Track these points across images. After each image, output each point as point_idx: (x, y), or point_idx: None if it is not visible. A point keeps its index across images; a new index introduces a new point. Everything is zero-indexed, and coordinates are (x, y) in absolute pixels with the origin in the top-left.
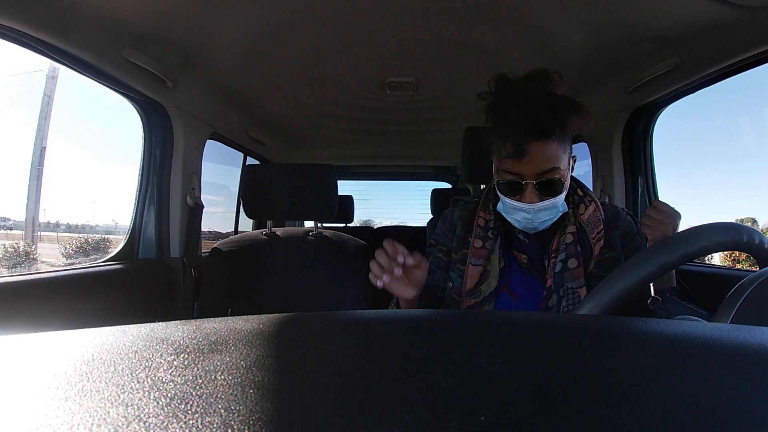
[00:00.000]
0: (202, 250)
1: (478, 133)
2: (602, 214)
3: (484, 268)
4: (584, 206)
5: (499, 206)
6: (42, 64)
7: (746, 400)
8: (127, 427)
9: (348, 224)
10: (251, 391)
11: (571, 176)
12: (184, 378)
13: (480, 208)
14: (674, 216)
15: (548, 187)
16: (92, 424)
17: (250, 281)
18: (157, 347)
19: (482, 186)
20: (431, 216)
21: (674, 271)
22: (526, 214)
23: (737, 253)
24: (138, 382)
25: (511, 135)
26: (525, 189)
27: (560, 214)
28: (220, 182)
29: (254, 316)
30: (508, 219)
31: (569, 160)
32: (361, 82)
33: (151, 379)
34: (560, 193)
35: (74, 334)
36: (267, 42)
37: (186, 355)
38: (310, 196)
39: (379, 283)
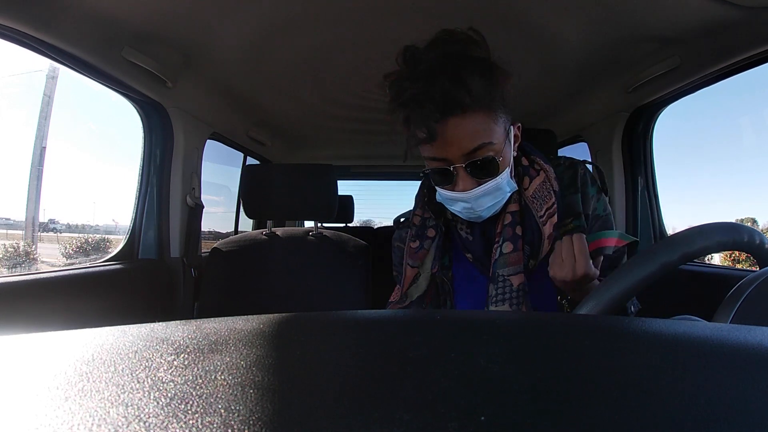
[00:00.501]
0: (202, 250)
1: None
2: (553, 184)
3: (419, 270)
4: (529, 179)
5: (438, 197)
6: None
7: (746, 400)
8: (127, 427)
9: (348, 224)
10: (251, 391)
11: (519, 145)
12: (184, 378)
13: (415, 206)
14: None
15: (481, 169)
16: (92, 424)
17: (250, 281)
18: (157, 347)
19: None
20: None
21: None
22: (464, 203)
23: (737, 253)
24: (138, 382)
25: (416, 116)
26: (456, 175)
27: (508, 194)
28: (220, 182)
29: (254, 316)
30: (451, 210)
31: (506, 130)
32: (361, 82)
33: (151, 379)
34: (497, 173)
35: (74, 334)
36: (267, 42)
37: (186, 355)
38: (310, 196)
39: None
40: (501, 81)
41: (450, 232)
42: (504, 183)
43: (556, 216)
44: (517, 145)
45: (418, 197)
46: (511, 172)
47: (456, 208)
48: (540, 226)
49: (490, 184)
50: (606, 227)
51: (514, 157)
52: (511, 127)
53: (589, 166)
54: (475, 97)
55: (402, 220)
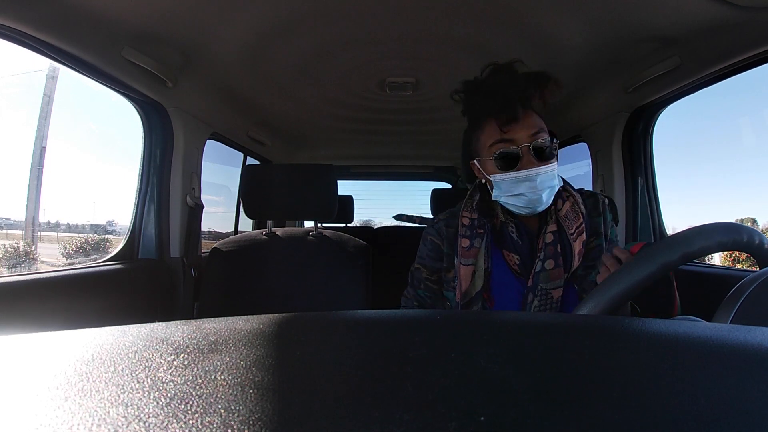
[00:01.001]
0: (202, 250)
1: (470, 137)
2: (581, 208)
3: (474, 267)
4: (562, 201)
5: (496, 193)
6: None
7: (746, 400)
8: (127, 427)
9: (348, 224)
10: (251, 391)
11: None
12: (184, 378)
13: (463, 208)
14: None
15: (542, 152)
16: (92, 424)
17: (250, 281)
18: (157, 347)
19: None
20: (431, 216)
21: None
22: (529, 182)
23: (737, 253)
24: (138, 382)
25: (501, 104)
26: (522, 156)
27: (557, 188)
28: (220, 182)
29: (254, 316)
30: (510, 204)
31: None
32: (361, 82)
33: (151, 379)
34: (554, 157)
35: (74, 334)
36: (267, 42)
37: (186, 355)
38: (310, 196)
39: None
40: (554, 100)
41: (499, 233)
42: (556, 174)
43: (584, 234)
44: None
45: (468, 200)
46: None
47: (520, 191)
48: (571, 243)
49: (548, 167)
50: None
51: None
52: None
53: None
54: (540, 101)
55: (441, 216)
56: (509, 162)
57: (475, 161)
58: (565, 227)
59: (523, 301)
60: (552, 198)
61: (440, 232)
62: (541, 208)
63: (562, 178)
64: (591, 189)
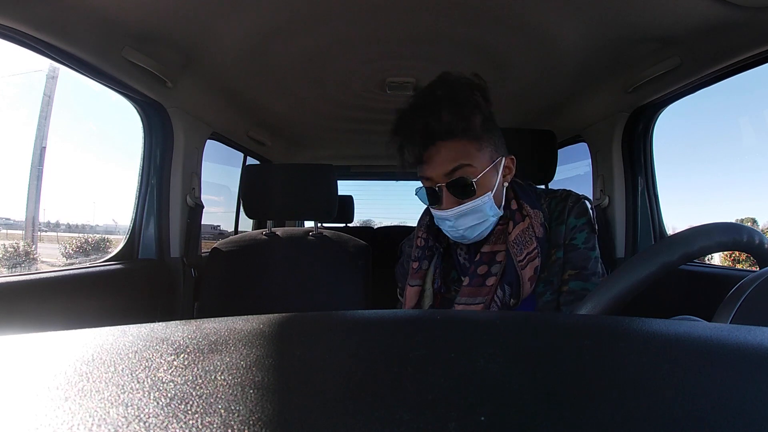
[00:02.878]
0: (202, 250)
1: None
2: (537, 230)
3: (422, 288)
4: (513, 224)
5: (434, 220)
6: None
7: (746, 400)
8: (127, 427)
9: (348, 224)
10: (251, 391)
11: (514, 182)
12: (184, 378)
13: (417, 228)
14: None
15: (459, 189)
16: (92, 424)
17: (250, 281)
18: (157, 347)
19: None
20: None
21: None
22: (448, 221)
23: (737, 253)
24: (138, 382)
25: (407, 143)
26: (441, 194)
27: (492, 219)
28: (220, 182)
29: (254, 316)
30: (446, 233)
31: (491, 159)
32: (361, 82)
33: (151, 379)
34: (473, 194)
35: (74, 334)
36: (267, 42)
37: (186, 355)
38: (310, 196)
39: None
40: (483, 112)
41: (449, 255)
42: (485, 206)
43: (538, 259)
44: (510, 176)
45: (421, 220)
46: (499, 202)
47: (444, 227)
48: (518, 270)
49: (468, 205)
50: (580, 263)
51: (506, 197)
52: (502, 158)
53: (587, 203)
54: (452, 128)
55: (411, 234)
56: (432, 197)
57: None
58: (512, 253)
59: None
60: (483, 230)
61: (406, 251)
62: (474, 239)
63: (526, 191)
64: (591, 189)
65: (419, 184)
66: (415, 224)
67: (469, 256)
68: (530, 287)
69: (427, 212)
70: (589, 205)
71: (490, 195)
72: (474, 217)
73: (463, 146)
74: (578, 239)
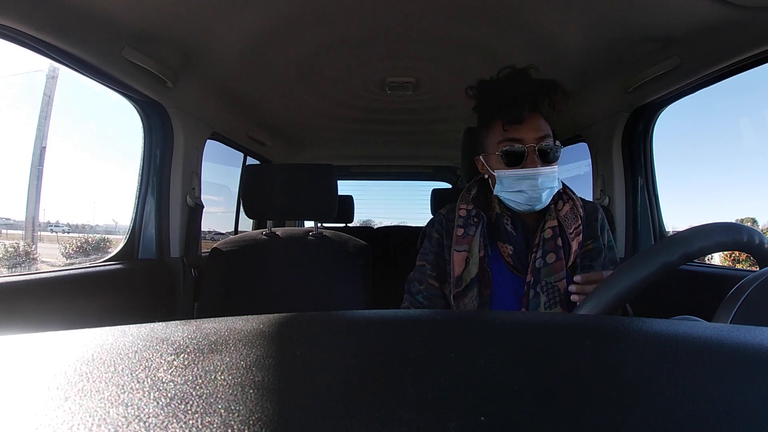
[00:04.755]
0: (203, 250)
1: (478, 133)
2: (580, 210)
3: (468, 254)
4: (562, 203)
5: (497, 189)
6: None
7: (746, 401)
8: (127, 427)
9: (348, 224)
10: (251, 391)
11: None
12: (184, 378)
13: (460, 201)
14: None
15: (547, 154)
16: (92, 424)
17: (250, 281)
18: (157, 347)
19: None
20: (431, 216)
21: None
22: (532, 180)
23: (737, 253)
24: (138, 382)
25: (513, 104)
26: (527, 155)
27: (556, 190)
28: (220, 182)
29: (254, 316)
30: (509, 200)
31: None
32: (361, 82)
33: (151, 379)
34: (556, 160)
35: (74, 334)
36: (267, 42)
37: (186, 355)
38: (310, 196)
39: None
40: (562, 107)
41: (494, 225)
42: (557, 175)
43: (581, 236)
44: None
45: (464, 194)
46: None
47: (521, 188)
48: (569, 241)
49: (551, 168)
50: (613, 260)
51: None
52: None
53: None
54: (550, 107)
55: (442, 210)
56: (514, 159)
57: (481, 157)
58: (564, 225)
59: (525, 298)
60: (550, 198)
61: (441, 224)
62: (539, 207)
63: (563, 182)
64: (591, 188)
65: (419, 184)
66: (414, 224)
67: (515, 226)
68: (573, 259)
69: (471, 187)
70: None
71: (558, 169)
72: (551, 182)
73: (547, 124)
74: (611, 241)
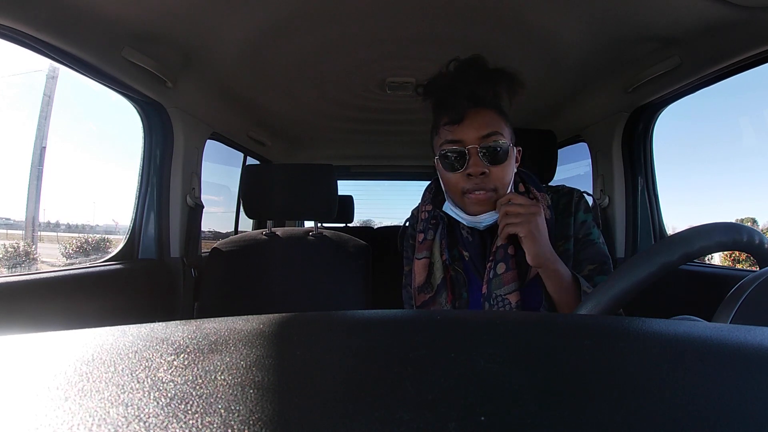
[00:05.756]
0: (203, 250)
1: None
2: (545, 212)
3: (430, 260)
4: None
5: (446, 206)
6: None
7: (746, 400)
8: (127, 427)
9: (348, 224)
10: (251, 391)
11: (519, 170)
12: (184, 378)
13: (422, 202)
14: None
15: (493, 153)
16: (92, 424)
17: (250, 281)
18: (157, 347)
19: None
20: None
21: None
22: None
23: (737, 253)
24: (138, 382)
25: (450, 103)
26: (469, 157)
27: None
28: (220, 182)
29: (254, 316)
30: (454, 214)
31: (512, 141)
32: (361, 82)
33: (151, 379)
34: (502, 162)
35: (74, 334)
36: (267, 42)
37: (186, 355)
38: (310, 196)
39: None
40: (514, 97)
41: (451, 229)
42: (508, 176)
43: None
44: (517, 165)
45: (426, 194)
46: (509, 187)
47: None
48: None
49: (502, 176)
50: (600, 258)
51: (513, 182)
52: (514, 147)
53: (589, 198)
54: (494, 99)
55: (413, 210)
56: (458, 160)
57: (435, 159)
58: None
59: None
60: (495, 217)
61: (414, 226)
62: (483, 226)
63: (526, 174)
64: (591, 189)
65: (419, 184)
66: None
67: (472, 231)
68: (535, 271)
69: (432, 185)
70: (592, 201)
71: (513, 167)
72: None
73: (498, 118)
74: (594, 235)
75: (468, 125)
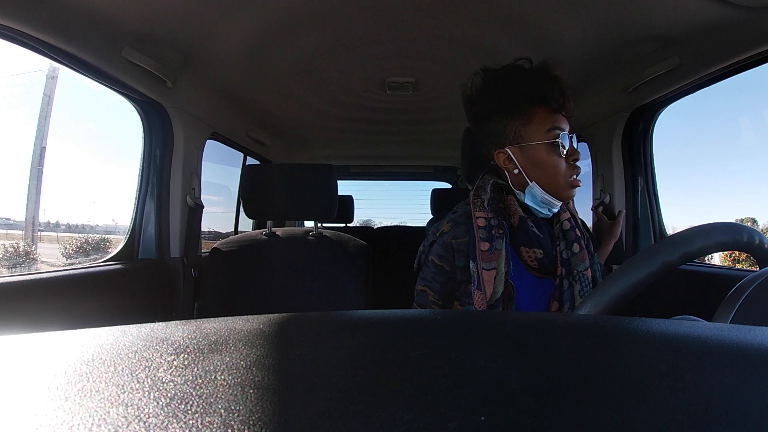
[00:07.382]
0: (203, 250)
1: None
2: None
3: (496, 271)
4: None
5: (528, 198)
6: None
7: (746, 400)
8: (127, 427)
9: (348, 224)
10: (251, 391)
11: None
12: (184, 378)
13: (474, 209)
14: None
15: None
16: (92, 424)
17: (250, 281)
18: (157, 347)
19: None
20: (431, 216)
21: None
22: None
23: (737, 253)
24: (138, 382)
25: (558, 91)
26: (576, 145)
27: None
28: (220, 182)
29: (254, 316)
30: (537, 203)
31: None
32: (361, 82)
33: (151, 379)
34: None
35: (74, 334)
36: (267, 42)
37: (186, 355)
38: (310, 196)
39: None
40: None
41: (517, 231)
42: None
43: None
44: None
45: (474, 202)
46: None
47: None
48: (581, 230)
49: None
50: None
51: None
52: None
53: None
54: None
55: (440, 230)
56: (568, 149)
57: (507, 149)
58: (575, 217)
59: (557, 291)
60: None
61: (447, 247)
62: (556, 209)
63: None
64: (591, 189)
65: (419, 184)
66: (414, 224)
67: (540, 228)
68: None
69: (484, 192)
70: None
71: None
72: None
73: None
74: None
75: (566, 117)
